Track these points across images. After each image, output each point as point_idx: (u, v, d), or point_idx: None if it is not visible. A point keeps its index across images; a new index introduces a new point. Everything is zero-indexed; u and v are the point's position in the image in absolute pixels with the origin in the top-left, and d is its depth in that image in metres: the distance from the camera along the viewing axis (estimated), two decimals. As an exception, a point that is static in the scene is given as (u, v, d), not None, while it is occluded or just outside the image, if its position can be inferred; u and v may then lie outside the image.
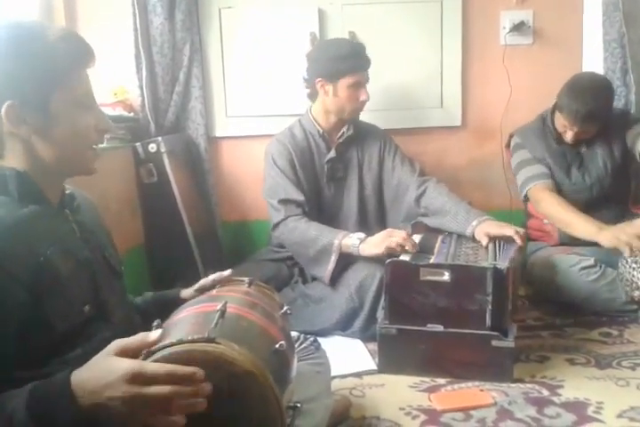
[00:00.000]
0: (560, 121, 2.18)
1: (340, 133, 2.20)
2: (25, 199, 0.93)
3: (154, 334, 0.75)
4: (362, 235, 1.95)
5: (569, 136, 2.18)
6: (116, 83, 2.28)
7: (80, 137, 0.98)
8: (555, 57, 2.31)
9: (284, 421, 0.81)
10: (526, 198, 2.28)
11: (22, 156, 0.95)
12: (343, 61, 2.06)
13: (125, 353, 0.76)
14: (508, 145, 2.41)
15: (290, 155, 2.14)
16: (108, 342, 0.96)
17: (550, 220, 2.21)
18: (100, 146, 1.06)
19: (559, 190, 2.21)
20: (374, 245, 1.89)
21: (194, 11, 2.40)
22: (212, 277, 1.14)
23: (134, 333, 1.04)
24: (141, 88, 2.26)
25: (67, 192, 1.05)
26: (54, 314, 0.88)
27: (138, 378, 0.72)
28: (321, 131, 2.19)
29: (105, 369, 0.74)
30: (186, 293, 1.19)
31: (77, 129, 0.97)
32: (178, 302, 1.16)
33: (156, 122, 2.32)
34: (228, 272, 1.14)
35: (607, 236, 1.93)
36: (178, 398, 0.73)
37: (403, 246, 1.81)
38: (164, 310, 1.15)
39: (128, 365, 0.73)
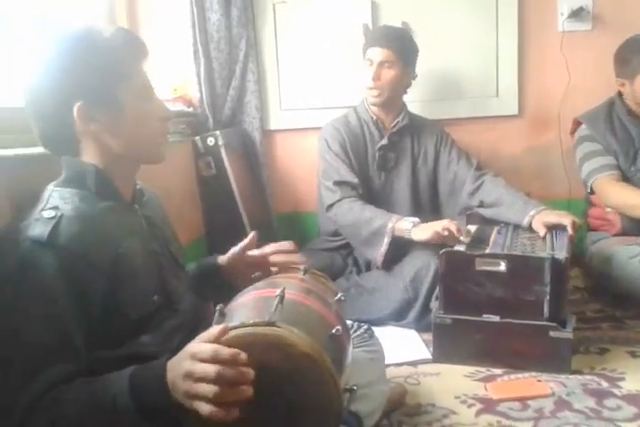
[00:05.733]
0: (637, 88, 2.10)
1: (393, 122, 2.21)
2: (101, 194, 0.99)
3: (216, 327, 0.79)
4: (416, 219, 1.96)
5: None
6: (175, 79, 2.35)
7: (146, 127, 1.02)
8: (615, 43, 2.22)
9: (342, 402, 0.83)
10: (591, 191, 2.21)
11: (96, 152, 1.00)
12: (365, 39, 2.20)
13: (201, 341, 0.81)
14: (572, 131, 2.34)
15: (343, 139, 2.17)
16: (177, 329, 1.03)
17: (622, 209, 2.11)
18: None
19: (626, 178, 2.14)
20: (424, 230, 1.89)
21: (249, 6, 2.45)
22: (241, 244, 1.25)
23: (199, 320, 1.11)
24: (200, 84, 2.32)
25: (137, 188, 1.10)
26: (128, 303, 0.94)
27: (194, 356, 0.76)
28: (374, 118, 2.21)
29: (181, 352, 0.80)
30: (222, 259, 1.26)
31: (142, 120, 1.01)
32: (218, 270, 1.24)
33: (214, 116, 2.38)
34: (252, 234, 1.24)
35: None
36: (224, 382, 0.75)
37: (451, 232, 1.80)
38: (206, 280, 1.24)
39: (190, 345, 0.79)
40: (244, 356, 0.75)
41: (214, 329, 0.79)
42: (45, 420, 0.81)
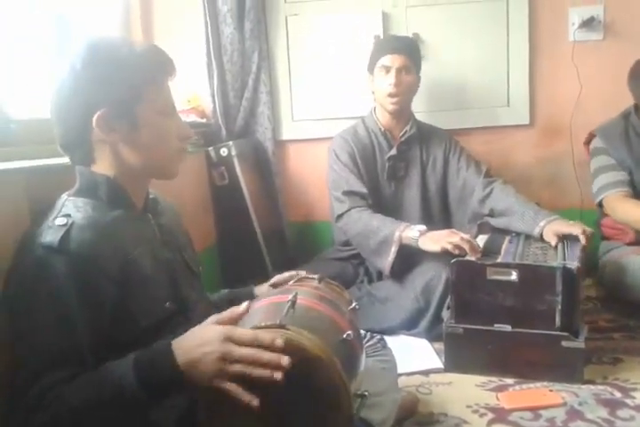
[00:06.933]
0: None
1: (402, 132, 2.23)
2: (113, 203, 1.01)
3: (241, 307, 0.86)
4: (423, 227, 1.94)
5: None
6: (189, 91, 2.38)
7: (163, 143, 1.04)
8: (627, 53, 2.23)
9: (352, 406, 0.84)
10: (600, 204, 2.21)
11: (111, 161, 1.02)
12: (376, 49, 2.20)
13: (219, 323, 0.87)
14: (586, 142, 2.34)
15: (352, 150, 2.19)
16: None
17: (633, 224, 2.11)
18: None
19: (638, 194, 2.14)
20: (433, 241, 1.87)
21: (261, 19, 2.48)
22: (286, 274, 1.21)
23: None
24: (213, 95, 2.36)
25: (151, 197, 1.12)
26: (139, 309, 0.96)
27: (229, 339, 0.81)
28: (382, 129, 2.23)
29: (202, 331, 0.85)
30: (259, 289, 1.26)
31: (161, 136, 1.03)
32: (251, 298, 1.23)
33: (227, 127, 2.41)
34: (302, 272, 1.20)
35: None
36: (259, 364, 0.80)
37: (462, 249, 1.77)
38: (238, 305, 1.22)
39: (222, 328, 0.84)
40: (279, 342, 0.80)
41: (237, 308, 0.86)
42: (48, 415, 0.83)
